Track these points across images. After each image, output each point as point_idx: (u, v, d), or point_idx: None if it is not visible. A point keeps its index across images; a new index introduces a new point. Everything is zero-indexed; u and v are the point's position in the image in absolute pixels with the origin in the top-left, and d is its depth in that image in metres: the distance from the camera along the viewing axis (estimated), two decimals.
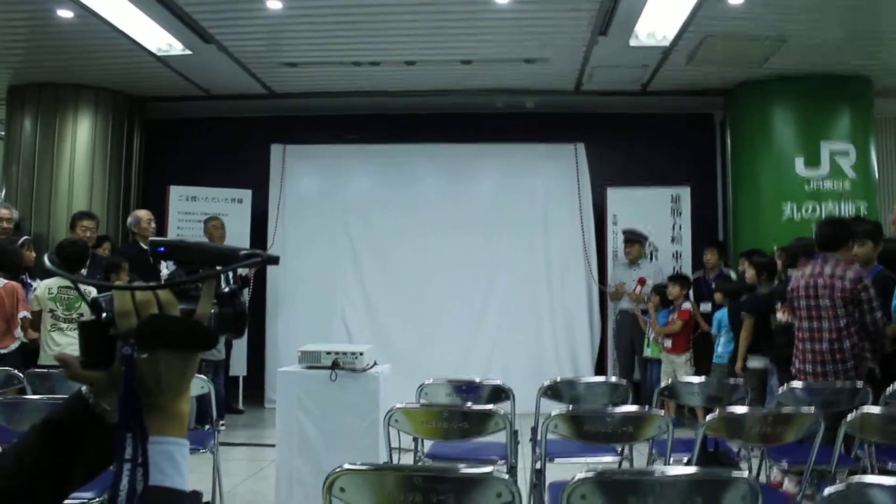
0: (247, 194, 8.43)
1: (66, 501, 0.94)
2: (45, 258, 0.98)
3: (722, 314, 6.58)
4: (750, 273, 6.11)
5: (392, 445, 3.41)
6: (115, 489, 0.81)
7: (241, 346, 7.96)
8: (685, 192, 8.28)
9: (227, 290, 0.95)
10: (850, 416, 3.23)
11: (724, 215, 8.66)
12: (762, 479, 4.34)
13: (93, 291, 1.05)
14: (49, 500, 0.93)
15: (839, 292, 4.42)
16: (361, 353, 4.40)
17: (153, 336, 0.85)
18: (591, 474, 2.06)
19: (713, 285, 7.24)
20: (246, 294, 7.62)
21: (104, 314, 0.88)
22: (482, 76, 7.73)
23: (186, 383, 0.91)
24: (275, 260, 0.94)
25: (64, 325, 5.29)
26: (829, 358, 4.47)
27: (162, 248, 0.93)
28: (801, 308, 4.64)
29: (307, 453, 4.34)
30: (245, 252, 0.91)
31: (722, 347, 6.48)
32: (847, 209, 7.31)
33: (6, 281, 5.31)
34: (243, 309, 0.96)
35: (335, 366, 4.34)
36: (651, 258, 8.05)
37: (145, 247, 6.70)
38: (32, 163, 7.95)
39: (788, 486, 4.56)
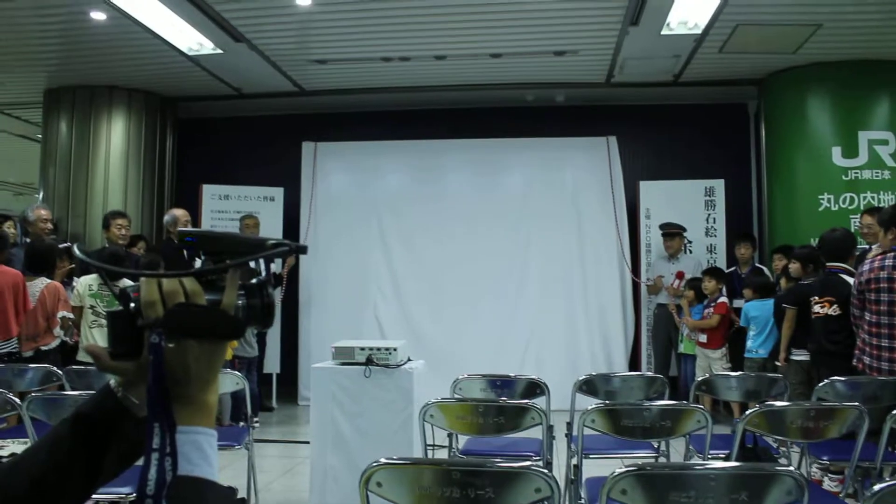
0: (279, 192, 8.48)
1: (104, 497, 0.95)
2: (75, 248, 0.98)
3: (749, 307, 6.46)
4: (794, 266, 5.97)
5: (426, 442, 3.39)
6: (143, 479, 0.80)
7: (274, 343, 8.02)
8: (719, 185, 8.16)
9: (254, 281, 0.94)
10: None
11: (759, 208, 8.51)
12: None
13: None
14: (80, 491, 0.93)
15: None
16: (395, 349, 4.38)
17: (179, 324, 0.85)
18: (632, 468, 2.02)
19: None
20: (279, 293, 7.66)
21: (132, 304, 0.88)
22: (512, 70, 7.69)
23: (214, 373, 0.90)
24: (303, 249, 0.93)
25: (104, 322, 5.33)
26: None
27: (190, 238, 0.92)
28: (880, 303, 4.34)
29: (342, 450, 4.34)
30: (273, 241, 0.90)
31: (752, 342, 6.36)
32: (886, 200, 7.13)
33: (49, 280, 5.40)
34: (271, 300, 0.95)
35: (369, 361, 4.33)
36: (685, 251, 7.94)
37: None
38: (68, 164, 8.09)
39: (828, 484, 4.47)
